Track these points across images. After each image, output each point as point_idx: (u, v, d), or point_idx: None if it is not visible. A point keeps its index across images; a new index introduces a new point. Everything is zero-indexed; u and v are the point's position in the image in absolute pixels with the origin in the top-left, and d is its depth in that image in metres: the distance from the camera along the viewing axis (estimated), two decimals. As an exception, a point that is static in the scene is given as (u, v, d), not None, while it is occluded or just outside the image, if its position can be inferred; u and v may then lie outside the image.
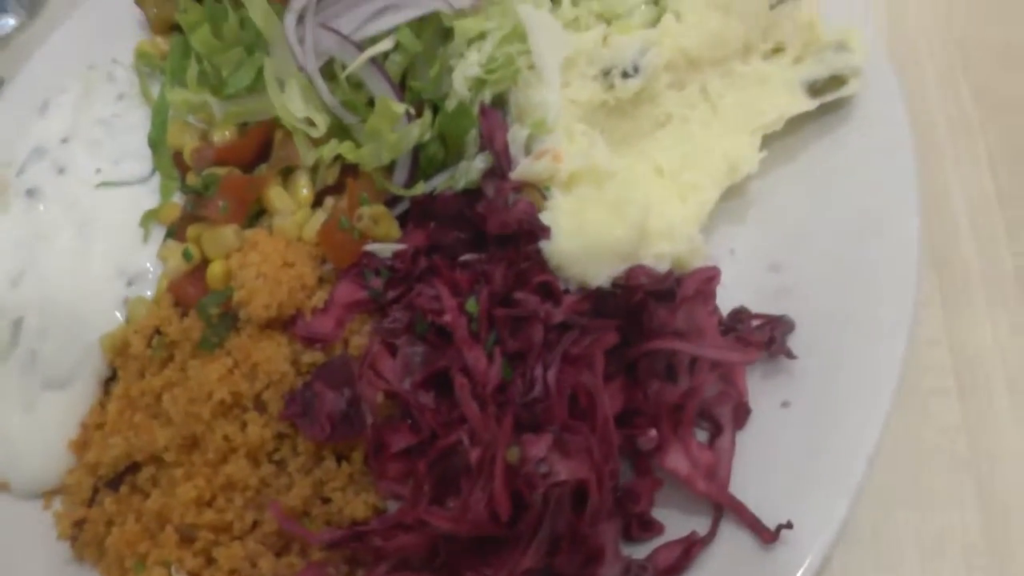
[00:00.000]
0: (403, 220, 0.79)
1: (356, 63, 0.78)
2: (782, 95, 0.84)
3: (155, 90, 0.91)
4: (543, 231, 0.69)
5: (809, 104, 0.84)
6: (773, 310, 0.74)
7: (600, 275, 0.69)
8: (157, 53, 0.95)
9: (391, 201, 0.80)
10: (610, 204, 0.70)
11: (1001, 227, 0.86)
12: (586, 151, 0.74)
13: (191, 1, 0.91)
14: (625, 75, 0.79)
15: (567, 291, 0.70)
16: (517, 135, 0.76)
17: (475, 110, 0.78)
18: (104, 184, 0.85)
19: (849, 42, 0.85)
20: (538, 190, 0.73)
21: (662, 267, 0.71)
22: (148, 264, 0.81)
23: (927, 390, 0.77)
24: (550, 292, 0.69)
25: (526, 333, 0.66)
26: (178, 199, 0.84)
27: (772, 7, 0.86)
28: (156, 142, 0.86)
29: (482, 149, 0.78)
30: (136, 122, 0.90)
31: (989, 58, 0.98)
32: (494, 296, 0.70)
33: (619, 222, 0.69)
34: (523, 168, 0.73)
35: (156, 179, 0.86)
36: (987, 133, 0.92)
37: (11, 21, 1.09)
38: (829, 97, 0.84)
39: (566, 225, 0.69)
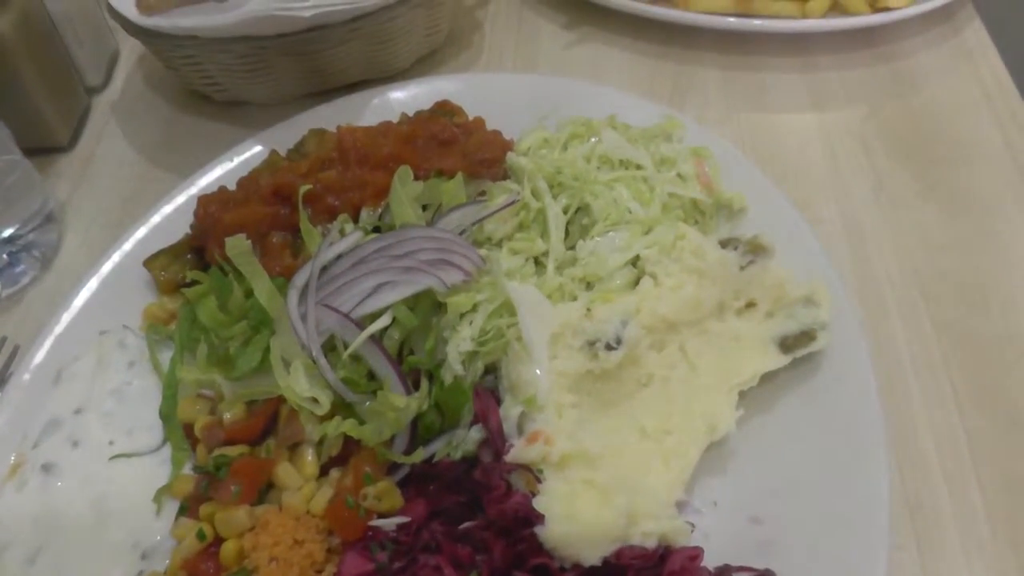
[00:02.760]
0: (404, 483, 0.87)
1: (357, 341, 0.88)
2: (756, 352, 0.94)
3: (163, 356, 1.00)
4: (538, 518, 0.76)
5: (782, 360, 0.93)
6: (757, 563, 0.82)
7: (593, 556, 0.77)
8: (164, 315, 1.04)
9: (392, 468, 0.87)
10: (599, 490, 0.78)
11: (969, 465, 0.94)
12: (574, 432, 0.82)
13: (198, 271, 1.01)
14: (608, 347, 0.88)
15: (562, 568, 0.77)
16: (510, 412, 0.85)
17: (469, 385, 0.87)
18: (118, 456, 0.93)
19: (816, 296, 0.96)
20: (531, 472, 0.80)
21: (649, 544, 0.78)
22: (160, 538, 0.88)
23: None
24: (547, 573, 0.75)
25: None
26: (188, 469, 0.92)
27: (742, 268, 0.96)
28: (167, 415, 0.94)
29: (476, 422, 0.86)
30: (146, 390, 0.98)
31: (948, 295, 1.08)
32: (495, 572, 0.77)
33: (608, 509, 0.78)
34: (517, 452, 0.82)
35: (167, 449, 0.94)
36: (950, 369, 1.02)
37: (25, 278, 1.17)
38: (800, 352, 0.93)
39: (559, 511, 0.78)
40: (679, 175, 1.05)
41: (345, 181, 1.00)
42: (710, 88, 1.38)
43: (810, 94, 1.36)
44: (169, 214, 1.13)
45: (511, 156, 1.04)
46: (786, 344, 0.94)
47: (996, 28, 1.47)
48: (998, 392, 0.99)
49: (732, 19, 1.39)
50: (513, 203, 0.98)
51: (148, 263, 1.07)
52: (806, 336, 0.94)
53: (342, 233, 0.95)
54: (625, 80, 1.40)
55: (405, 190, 0.96)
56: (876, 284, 1.10)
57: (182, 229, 1.10)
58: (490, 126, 1.16)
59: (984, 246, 1.14)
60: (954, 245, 1.14)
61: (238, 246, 0.92)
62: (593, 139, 1.05)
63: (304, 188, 0.97)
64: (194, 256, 1.06)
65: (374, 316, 0.90)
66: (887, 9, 1.38)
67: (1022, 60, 1.49)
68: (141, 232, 1.12)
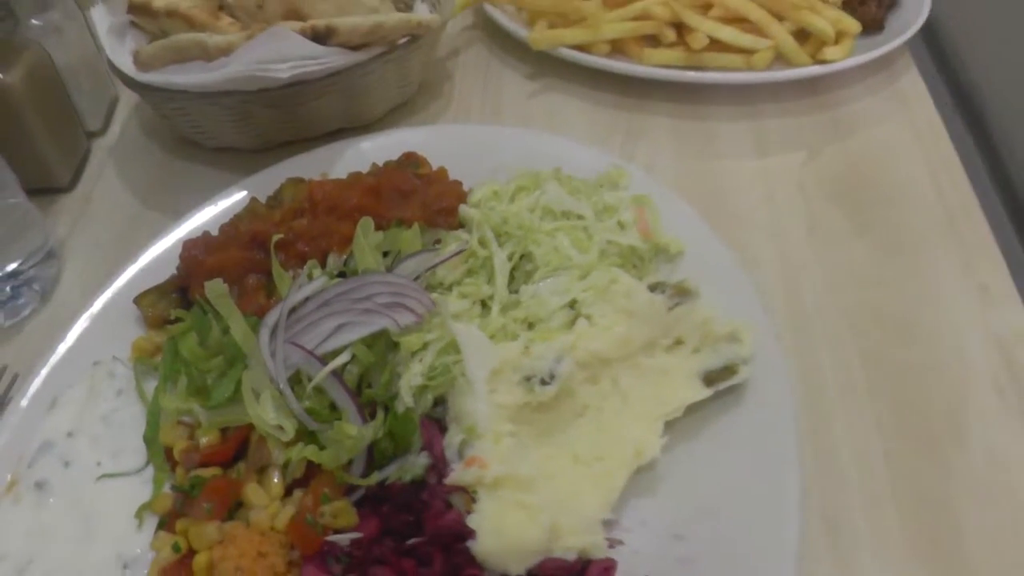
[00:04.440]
0: (360, 503, 0.97)
1: (319, 376, 0.98)
2: (682, 385, 1.04)
3: (149, 385, 1.10)
4: (470, 534, 0.86)
5: (705, 392, 1.03)
6: (678, 576, 0.91)
7: (518, 568, 0.88)
8: (152, 348, 1.14)
9: (349, 489, 0.98)
10: (527, 509, 0.89)
11: (886, 484, 1.02)
12: (509, 457, 0.92)
13: (181, 309, 1.12)
14: (543, 382, 0.98)
15: (492, 578, 0.88)
16: (452, 439, 0.96)
17: (418, 416, 0.97)
18: (105, 476, 1.03)
19: (739, 334, 1.06)
20: (468, 492, 0.90)
21: (569, 557, 0.88)
22: (140, 550, 0.98)
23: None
24: (479, 582, 0.86)
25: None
26: (168, 488, 1.02)
27: (670, 309, 1.06)
28: (150, 440, 1.05)
29: (424, 448, 0.96)
30: (132, 417, 1.09)
31: (875, 327, 1.17)
32: (434, 581, 0.87)
33: (533, 526, 0.88)
34: (456, 475, 0.92)
35: (150, 469, 1.04)
36: (873, 396, 1.10)
37: (26, 310, 1.27)
38: (722, 385, 1.03)
39: (487, 527, 0.88)
40: (619, 223, 1.15)
41: (314, 229, 1.11)
42: (661, 136, 1.48)
43: (754, 141, 1.46)
44: (158, 255, 1.24)
45: (463, 208, 1.15)
46: (709, 377, 1.04)
47: (930, 77, 1.57)
48: (917, 416, 1.07)
49: (683, 72, 1.50)
50: (462, 251, 1.09)
51: (138, 300, 1.17)
52: (728, 370, 1.04)
53: (310, 277, 1.06)
54: (582, 128, 1.50)
55: (367, 239, 1.06)
56: (807, 318, 1.18)
57: (169, 268, 1.20)
58: (453, 174, 1.26)
59: (911, 282, 1.22)
60: (883, 281, 1.22)
61: (216, 289, 1.02)
62: (538, 192, 1.15)
63: (276, 237, 1.07)
64: (179, 294, 1.16)
65: (336, 353, 1.00)
66: (827, 61, 1.49)
67: (955, 106, 1.60)
68: (132, 271, 1.22)
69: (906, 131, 1.46)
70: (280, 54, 1.25)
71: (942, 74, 1.69)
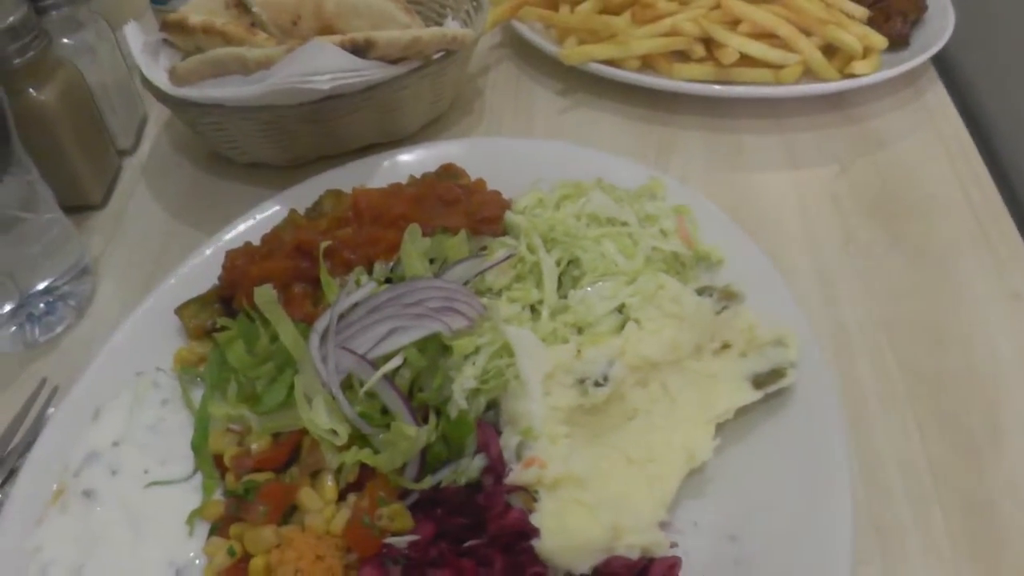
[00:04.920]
0: (414, 507, 0.97)
1: (372, 380, 0.98)
2: (731, 388, 1.05)
3: (194, 394, 1.10)
4: (534, 532, 0.87)
5: (755, 395, 1.04)
6: (733, 578, 0.91)
7: (583, 565, 0.88)
8: (194, 358, 1.15)
9: (403, 492, 0.98)
10: (588, 508, 0.89)
11: (931, 488, 1.03)
12: (566, 457, 0.93)
13: (226, 318, 1.12)
14: (596, 384, 0.99)
15: (556, 578, 0.88)
16: (509, 441, 0.96)
17: (472, 419, 0.97)
18: (153, 484, 1.03)
19: (785, 339, 1.07)
20: (528, 492, 0.91)
21: (633, 555, 0.88)
22: (193, 555, 0.98)
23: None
24: (543, 580, 0.86)
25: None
26: (218, 495, 1.02)
27: (717, 313, 1.07)
28: (199, 447, 1.04)
29: (479, 451, 0.97)
30: (179, 425, 1.08)
31: (911, 335, 1.19)
32: (496, 582, 0.87)
33: (595, 524, 0.88)
34: (515, 476, 0.92)
35: (198, 477, 1.04)
36: (913, 402, 1.11)
37: (61, 326, 1.27)
38: (771, 388, 1.04)
39: (552, 526, 0.88)
40: (662, 231, 1.16)
41: (360, 238, 1.11)
42: (693, 149, 1.50)
43: (785, 154, 1.48)
44: (197, 266, 1.24)
45: (509, 215, 1.16)
46: (758, 381, 1.04)
47: (956, 91, 1.60)
48: (957, 422, 1.08)
49: (712, 86, 1.52)
50: (511, 257, 1.10)
51: (179, 311, 1.17)
52: (776, 374, 1.04)
53: (358, 284, 1.07)
54: (614, 142, 1.52)
55: (414, 246, 1.07)
56: (844, 327, 1.20)
57: (208, 280, 1.21)
58: (491, 186, 1.27)
59: (943, 290, 1.24)
60: (916, 290, 1.24)
61: (265, 295, 1.03)
62: (583, 200, 1.16)
63: (324, 244, 1.08)
64: (221, 305, 1.17)
65: (387, 357, 1.00)
66: (854, 76, 1.51)
67: (981, 119, 1.62)
68: (171, 282, 1.22)
69: (934, 144, 1.48)
70: (319, 67, 1.26)
71: (969, 89, 1.71)
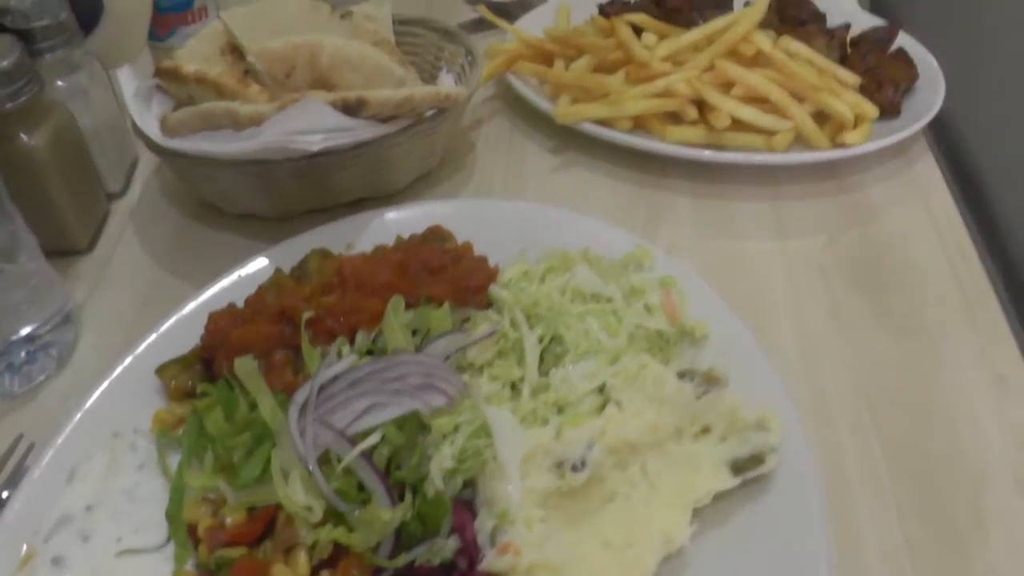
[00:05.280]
0: (387, 586, 0.96)
1: (349, 457, 0.98)
2: (710, 473, 1.04)
3: (170, 459, 1.09)
4: (505, 621, 0.86)
5: (733, 482, 1.04)
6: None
7: (554, 656, 0.87)
8: (174, 420, 1.14)
9: (377, 570, 0.97)
10: (560, 599, 0.88)
11: (909, 571, 1.02)
12: (542, 543, 0.92)
13: (206, 383, 1.12)
14: (575, 468, 0.99)
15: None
16: (484, 524, 0.95)
17: (449, 498, 0.97)
18: (125, 552, 1.02)
19: (766, 422, 1.06)
20: (501, 579, 0.91)
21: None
22: (162, 630, 0.97)
23: None
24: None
25: None
26: (189, 566, 1.01)
27: (699, 397, 1.07)
28: (173, 516, 1.04)
29: (453, 532, 0.96)
30: (155, 492, 1.07)
31: (896, 414, 1.18)
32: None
33: (567, 615, 0.87)
34: (489, 562, 0.92)
35: (171, 546, 1.03)
36: (896, 484, 1.11)
37: (41, 376, 1.26)
38: (750, 475, 1.04)
39: (524, 614, 0.87)
40: (646, 306, 1.16)
41: (344, 306, 1.11)
42: (682, 215, 1.50)
43: (775, 223, 1.48)
44: (180, 323, 1.23)
45: (494, 288, 1.16)
46: (737, 466, 1.04)
47: (946, 156, 1.61)
48: (939, 506, 1.07)
49: (703, 152, 1.52)
50: (493, 333, 1.10)
51: (160, 371, 1.17)
52: (756, 459, 1.04)
53: (339, 355, 1.06)
54: (604, 204, 1.52)
55: (397, 318, 1.07)
56: (827, 403, 1.19)
57: (191, 337, 1.20)
58: (478, 249, 1.27)
59: (928, 369, 1.23)
60: (902, 367, 1.24)
61: (246, 367, 1.03)
62: (568, 274, 1.16)
63: (307, 315, 1.08)
64: (203, 367, 1.16)
65: (366, 433, 1.00)
66: (845, 145, 1.52)
67: (968, 192, 1.63)
68: (153, 340, 1.21)
69: (923, 217, 1.49)
70: (311, 125, 1.27)
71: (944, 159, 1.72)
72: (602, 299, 1.15)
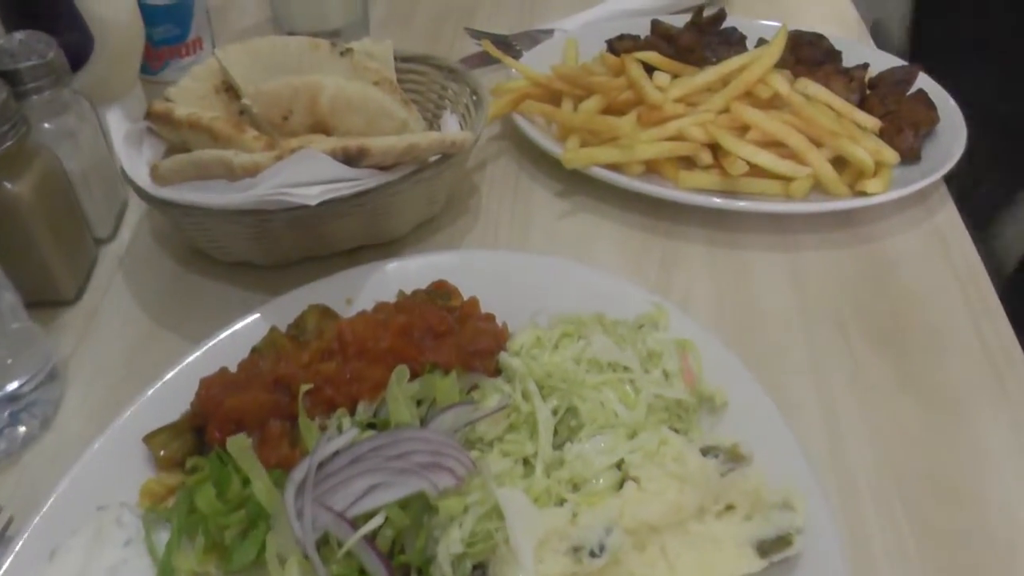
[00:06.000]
0: None
1: (351, 542, 0.92)
2: (734, 554, 0.98)
3: (159, 536, 1.03)
4: None
5: (759, 564, 0.98)
6: None
7: None
8: (163, 491, 1.08)
9: (378, 667, 0.91)
10: None
11: None
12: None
13: (197, 457, 1.06)
14: (592, 554, 0.93)
15: None
16: (495, 617, 0.89)
17: (456, 589, 0.91)
18: (109, 638, 0.96)
19: (792, 501, 1.01)
20: None
21: None
22: None
23: None
24: None
25: None
26: (178, 654, 0.95)
27: (723, 475, 1.01)
28: (161, 600, 0.97)
29: (463, 622, 0.90)
30: (141, 571, 1.01)
31: (921, 487, 1.13)
32: None
33: None
34: (501, 656, 0.85)
35: (158, 633, 0.97)
36: (923, 561, 1.05)
37: (23, 439, 1.20)
38: (777, 557, 0.98)
39: None
40: (665, 372, 1.10)
41: (344, 374, 1.05)
42: (696, 265, 1.44)
43: (791, 274, 1.43)
44: (169, 386, 1.16)
45: (505, 357, 1.09)
46: (763, 548, 0.99)
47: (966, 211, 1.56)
48: (969, 586, 1.02)
49: (717, 199, 1.47)
50: (505, 407, 1.04)
51: (148, 440, 1.10)
52: (782, 541, 0.98)
53: (339, 429, 1.00)
54: (615, 252, 1.47)
55: (401, 389, 1.01)
56: (851, 474, 1.14)
57: (181, 401, 1.13)
58: (485, 304, 1.21)
59: (956, 439, 1.18)
60: (927, 437, 1.18)
61: (239, 445, 0.96)
62: (583, 342, 1.11)
63: (305, 388, 1.02)
64: (193, 435, 1.10)
65: (368, 515, 0.94)
66: (865, 193, 1.47)
67: (990, 243, 1.58)
68: (140, 405, 1.15)
69: (945, 270, 1.43)
70: (309, 176, 1.21)
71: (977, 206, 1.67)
72: (619, 368, 1.09)
